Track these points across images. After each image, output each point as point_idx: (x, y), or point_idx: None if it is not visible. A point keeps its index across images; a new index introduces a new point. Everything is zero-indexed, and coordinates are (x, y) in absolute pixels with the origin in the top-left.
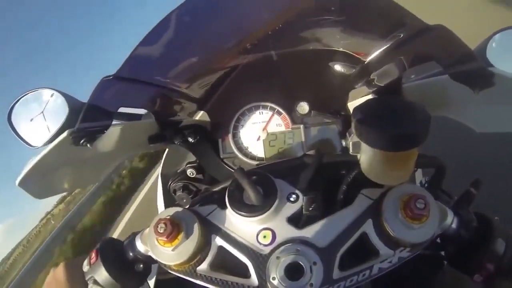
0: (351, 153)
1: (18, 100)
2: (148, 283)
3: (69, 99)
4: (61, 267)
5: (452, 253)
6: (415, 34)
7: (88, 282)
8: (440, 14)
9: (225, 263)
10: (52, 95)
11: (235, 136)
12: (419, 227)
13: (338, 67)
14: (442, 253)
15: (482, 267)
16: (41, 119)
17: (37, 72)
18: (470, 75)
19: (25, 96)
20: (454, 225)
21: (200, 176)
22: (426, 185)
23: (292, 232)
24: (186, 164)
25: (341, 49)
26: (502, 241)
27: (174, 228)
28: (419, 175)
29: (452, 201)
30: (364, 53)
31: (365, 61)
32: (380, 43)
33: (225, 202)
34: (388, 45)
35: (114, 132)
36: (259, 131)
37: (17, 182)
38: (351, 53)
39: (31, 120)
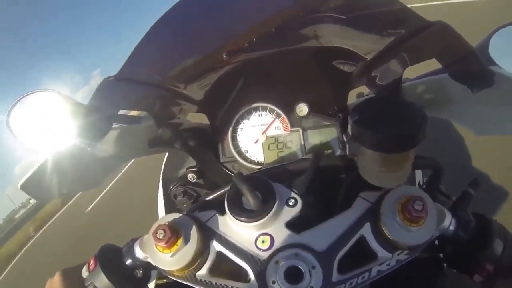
0: (348, 155)
1: (17, 102)
2: None
3: (69, 101)
4: (58, 276)
5: (451, 255)
6: (416, 30)
7: None
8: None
9: (225, 268)
10: (51, 97)
11: (234, 139)
12: (417, 230)
13: (339, 66)
14: (441, 255)
15: (481, 267)
16: (40, 122)
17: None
18: (469, 74)
19: (24, 98)
20: (452, 227)
21: (200, 181)
22: (424, 186)
23: (291, 236)
24: (187, 169)
25: (342, 47)
26: (500, 241)
27: (173, 234)
28: (418, 176)
29: (450, 202)
30: (366, 51)
31: (366, 59)
32: (381, 40)
33: (224, 208)
34: (390, 42)
35: (113, 135)
36: (258, 134)
37: (19, 185)
38: (352, 50)
39: (30, 123)
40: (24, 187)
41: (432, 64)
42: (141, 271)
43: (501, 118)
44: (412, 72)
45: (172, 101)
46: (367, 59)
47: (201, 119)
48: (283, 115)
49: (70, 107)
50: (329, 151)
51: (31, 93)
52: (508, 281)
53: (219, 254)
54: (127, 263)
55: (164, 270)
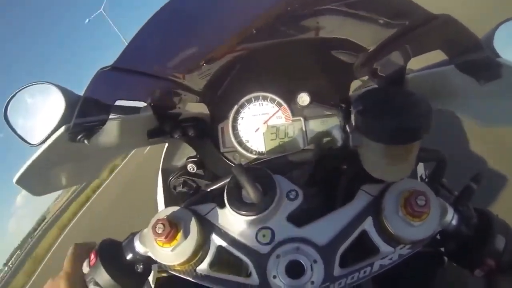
0: (351, 146)
1: (14, 95)
2: (149, 282)
3: (66, 93)
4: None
5: (452, 249)
6: (420, 22)
7: (89, 283)
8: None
9: (225, 262)
10: (49, 89)
11: (235, 128)
12: (419, 225)
13: (340, 56)
14: (442, 249)
15: (482, 262)
16: (38, 115)
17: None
18: (476, 66)
19: (21, 91)
20: (454, 222)
21: (200, 171)
22: (426, 179)
23: (292, 230)
24: (187, 159)
25: (344, 38)
26: (502, 237)
27: (173, 228)
28: (420, 168)
29: (453, 197)
30: (368, 42)
31: (368, 50)
32: (384, 31)
33: (224, 201)
34: (392, 34)
35: (112, 126)
36: (259, 124)
37: (14, 179)
38: (355, 41)
39: (28, 115)
40: (19, 182)
41: (437, 55)
42: (141, 266)
43: (507, 110)
44: (416, 63)
45: (172, 91)
46: (369, 50)
47: (201, 109)
48: (284, 104)
49: (66, 98)
50: (329, 138)
51: (28, 86)
52: (508, 276)
53: (220, 248)
54: (127, 257)
55: (165, 265)
